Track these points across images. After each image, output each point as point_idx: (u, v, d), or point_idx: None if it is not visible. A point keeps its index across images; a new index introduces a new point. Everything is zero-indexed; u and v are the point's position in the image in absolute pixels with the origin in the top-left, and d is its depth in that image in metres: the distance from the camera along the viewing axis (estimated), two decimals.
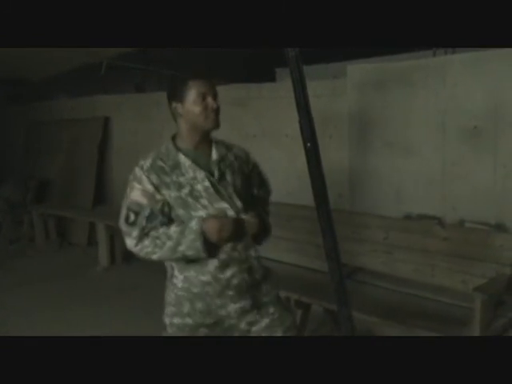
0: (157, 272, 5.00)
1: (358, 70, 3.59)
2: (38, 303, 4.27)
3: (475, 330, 2.49)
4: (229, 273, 1.86)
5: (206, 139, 1.92)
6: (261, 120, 4.28)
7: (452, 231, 3.07)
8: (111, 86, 6.58)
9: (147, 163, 1.85)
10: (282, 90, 3.96)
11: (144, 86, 6.96)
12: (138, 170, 1.85)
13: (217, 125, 1.90)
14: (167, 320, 1.94)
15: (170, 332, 1.93)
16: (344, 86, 3.66)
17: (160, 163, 1.84)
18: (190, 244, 1.75)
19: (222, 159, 1.93)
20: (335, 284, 2.08)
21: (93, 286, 4.75)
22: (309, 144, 1.89)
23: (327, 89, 3.84)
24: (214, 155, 1.91)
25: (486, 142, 3.01)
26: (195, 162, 1.86)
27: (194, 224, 1.76)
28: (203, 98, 1.83)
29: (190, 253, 1.77)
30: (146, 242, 1.79)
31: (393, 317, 2.82)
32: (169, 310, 1.94)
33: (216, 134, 4.03)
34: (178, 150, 1.87)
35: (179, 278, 1.89)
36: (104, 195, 6.11)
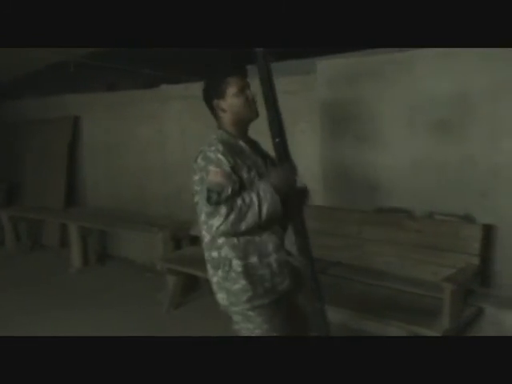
0: (130, 273, 5.02)
1: (328, 66, 3.62)
2: (9, 307, 4.19)
3: (445, 320, 2.54)
4: (282, 253, 2.03)
5: (246, 132, 2.07)
6: None
7: (422, 224, 3.13)
8: (82, 84, 6.48)
9: (220, 147, 1.93)
10: (252, 86, 3.96)
11: (116, 84, 6.88)
12: (212, 154, 1.92)
13: (257, 114, 2.04)
14: (247, 305, 2.00)
15: (253, 315, 2.01)
16: (315, 82, 3.68)
17: (229, 147, 1.95)
18: (270, 200, 1.88)
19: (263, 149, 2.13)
20: (308, 279, 2.10)
21: (65, 289, 4.68)
22: (277, 139, 1.91)
23: (298, 84, 3.86)
24: (260, 146, 2.13)
25: (453, 135, 3.07)
26: (252, 148, 2.05)
27: (263, 184, 1.90)
28: (242, 91, 2.00)
29: (271, 209, 1.89)
30: (231, 216, 1.85)
31: (367, 309, 2.86)
32: (243, 297, 2.00)
33: (189, 131, 4.09)
34: (235, 137, 2.02)
35: (243, 265, 1.98)
36: (76, 196, 6.03)
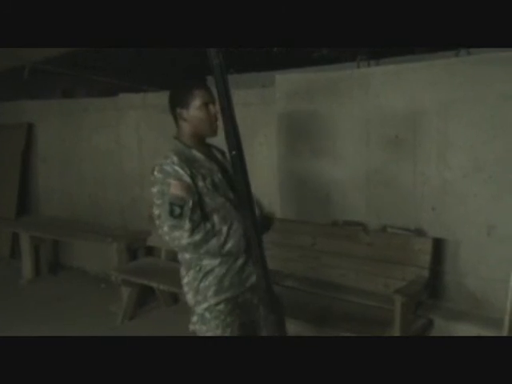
0: (84, 284, 4.90)
1: (286, 80, 3.67)
2: None
3: (396, 331, 2.60)
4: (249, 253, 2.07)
5: (203, 141, 2.14)
6: None
7: (375, 237, 3.20)
8: (37, 91, 6.34)
9: (175, 159, 1.98)
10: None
11: (71, 91, 6.76)
12: (169, 167, 1.97)
13: (216, 132, 2.10)
14: (213, 300, 2.06)
15: (209, 317, 2.07)
16: (273, 95, 3.73)
17: (184, 157, 2.01)
18: (237, 240, 2.00)
19: (223, 156, 2.18)
20: (263, 291, 2.11)
21: (16, 300, 4.54)
22: (234, 152, 1.91)
23: (257, 97, 3.90)
24: (218, 153, 2.18)
25: (406, 151, 3.16)
26: (206, 156, 2.09)
27: (236, 223, 2.01)
28: (206, 106, 2.05)
29: (235, 248, 2.02)
30: (197, 236, 1.94)
31: (321, 321, 2.89)
32: (209, 292, 2.07)
33: (146, 140, 4.09)
34: (189, 147, 2.08)
35: (211, 264, 2.06)
36: (28, 205, 5.87)
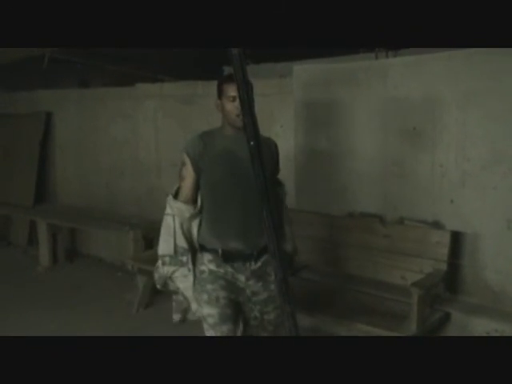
0: (100, 272, 4.94)
1: (304, 71, 3.65)
2: None
3: (413, 324, 2.59)
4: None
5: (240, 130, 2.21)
6: (208, 117, 4.26)
7: (392, 229, 3.18)
8: (52, 80, 6.36)
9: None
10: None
11: (88, 81, 6.77)
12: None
13: (238, 123, 2.18)
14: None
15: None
16: (290, 86, 3.71)
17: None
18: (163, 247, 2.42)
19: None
20: (278, 281, 2.11)
21: (33, 287, 4.60)
22: (252, 142, 1.90)
23: (274, 88, 3.88)
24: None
25: (424, 143, 3.12)
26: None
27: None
28: (233, 99, 2.19)
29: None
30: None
31: (337, 313, 2.89)
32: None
33: (163, 130, 4.11)
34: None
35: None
36: (46, 193, 5.93)
